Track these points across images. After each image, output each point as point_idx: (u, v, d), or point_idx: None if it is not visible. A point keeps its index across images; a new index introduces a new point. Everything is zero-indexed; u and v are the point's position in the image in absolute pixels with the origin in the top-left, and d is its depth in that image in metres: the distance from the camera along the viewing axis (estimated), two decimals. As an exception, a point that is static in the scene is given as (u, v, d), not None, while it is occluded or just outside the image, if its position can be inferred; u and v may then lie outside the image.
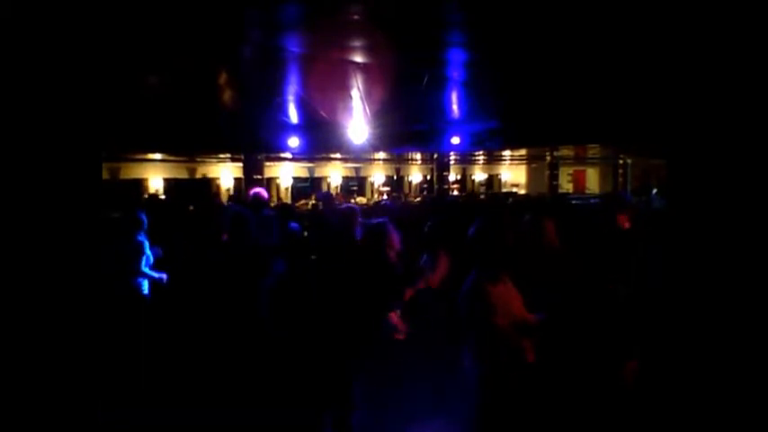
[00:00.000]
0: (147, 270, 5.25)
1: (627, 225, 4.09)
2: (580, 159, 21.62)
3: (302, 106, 8.00)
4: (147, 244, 5.25)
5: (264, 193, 6.34)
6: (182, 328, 5.25)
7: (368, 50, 5.04)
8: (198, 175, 17.10)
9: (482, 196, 20.75)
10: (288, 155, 16.03)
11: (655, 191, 8.58)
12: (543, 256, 3.49)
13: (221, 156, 16.18)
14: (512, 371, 2.84)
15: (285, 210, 6.52)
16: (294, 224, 5.59)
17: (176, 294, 5.53)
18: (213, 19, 3.98)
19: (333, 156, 19.19)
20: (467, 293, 2.96)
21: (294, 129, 9.28)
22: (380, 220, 4.20)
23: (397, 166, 24.91)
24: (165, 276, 5.36)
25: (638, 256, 3.50)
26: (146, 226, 5.26)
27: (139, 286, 5.23)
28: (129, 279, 5.15)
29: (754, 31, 2.24)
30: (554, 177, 16.32)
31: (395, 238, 3.87)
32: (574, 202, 11.87)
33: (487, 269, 2.95)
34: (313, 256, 6.07)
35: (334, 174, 22.35)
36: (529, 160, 23.10)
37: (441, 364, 4.49)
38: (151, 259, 5.30)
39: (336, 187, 22.08)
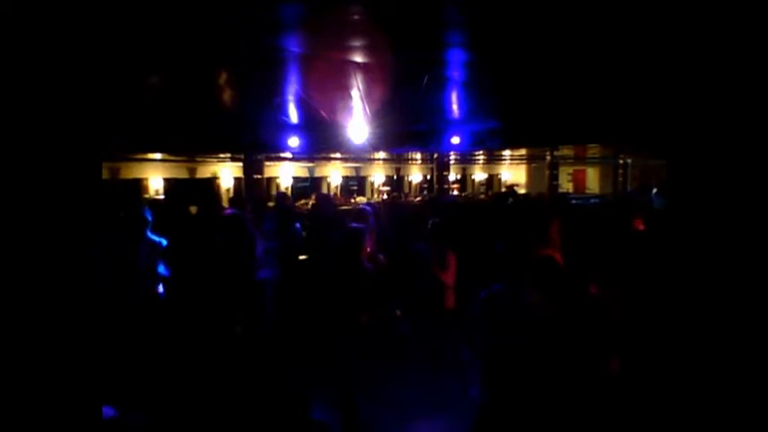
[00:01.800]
0: (157, 271, 5.09)
1: (641, 227, 4.06)
2: (580, 159, 21.60)
3: (302, 106, 8.00)
4: (162, 242, 5.11)
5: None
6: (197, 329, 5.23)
7: (368, 50, 5.04)
8: (198, 175, 17.10)
9: (482, 195, 20.78)
10: (288, 155, 16.01)
11: (655, 191, 8.58)
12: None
13: (221, 156, 16.17)
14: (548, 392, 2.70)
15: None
16: (298, 225, 5.62)
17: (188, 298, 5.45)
18: (213, 19, 3.98)
19: (333, 156, 19.17)
20: (504, 304, 2.78)
21: (294, 129, 9.28)
22: (358, 225, 4.32)
23: (397, 165, 24.90)
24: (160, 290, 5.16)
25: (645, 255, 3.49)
26: (151, 223, 5.11)
27: (154, 286, 5.06)
28: (140, 279, 4.97)
29: (754, 32, 2.24)
30: (554, 177, 16.27)
31: (367, 243, 4.10)
32: (574, 201, 11.88)
33: (519, 282, 2.82)
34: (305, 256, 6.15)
35: (334, 174, 22.34)
36: (529, 160, 23.08)
37: (444, 365, 4.51)
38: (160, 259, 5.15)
39: (336, 187, 22.08)
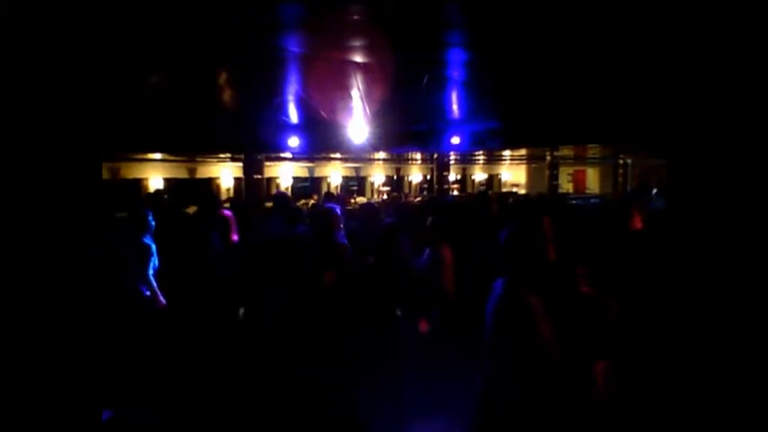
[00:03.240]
0: (150, 277, 4.98)
1: (639, 225, 4.04)
2: (580, 159, 21.62)
3: (302, 106, 8.00)
4: (154, 248, 5.04)
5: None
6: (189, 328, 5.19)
7: (368, 50, 5.04)
8: (198, 176, 17.11)
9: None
10: (288, 155, 16.03)
11: (655, 191, 8.58)
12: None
13: (221, 156, 16.18)
14: (549, 392, 2.56)
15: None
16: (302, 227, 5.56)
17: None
18: (213, 19, 3.98)
19: (333, 156, 19.20)
20: (503, 304, 2.67)
21: (294, 129, 9.29)
22: (389, 220, 4.25)
23: (397, 166, 24.93)
24: (162, 300, 5.05)
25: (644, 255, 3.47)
26: (152, 228, 5.07)
27: (142, 290, 4.99)
28: (131, 282, 4.92)
29: (754, 32, 2.24)
30: (554, 177, 16.31)
31: (406, 244, 3.96)
32: (573, 201, 11.89)
33: (520, 281, 2.67)
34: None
35: (335, 174, 22.37)
36: (529, 160, 23.10)
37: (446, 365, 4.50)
38: (156, 264, 5.06)
39: (336, 187, 22.09)
